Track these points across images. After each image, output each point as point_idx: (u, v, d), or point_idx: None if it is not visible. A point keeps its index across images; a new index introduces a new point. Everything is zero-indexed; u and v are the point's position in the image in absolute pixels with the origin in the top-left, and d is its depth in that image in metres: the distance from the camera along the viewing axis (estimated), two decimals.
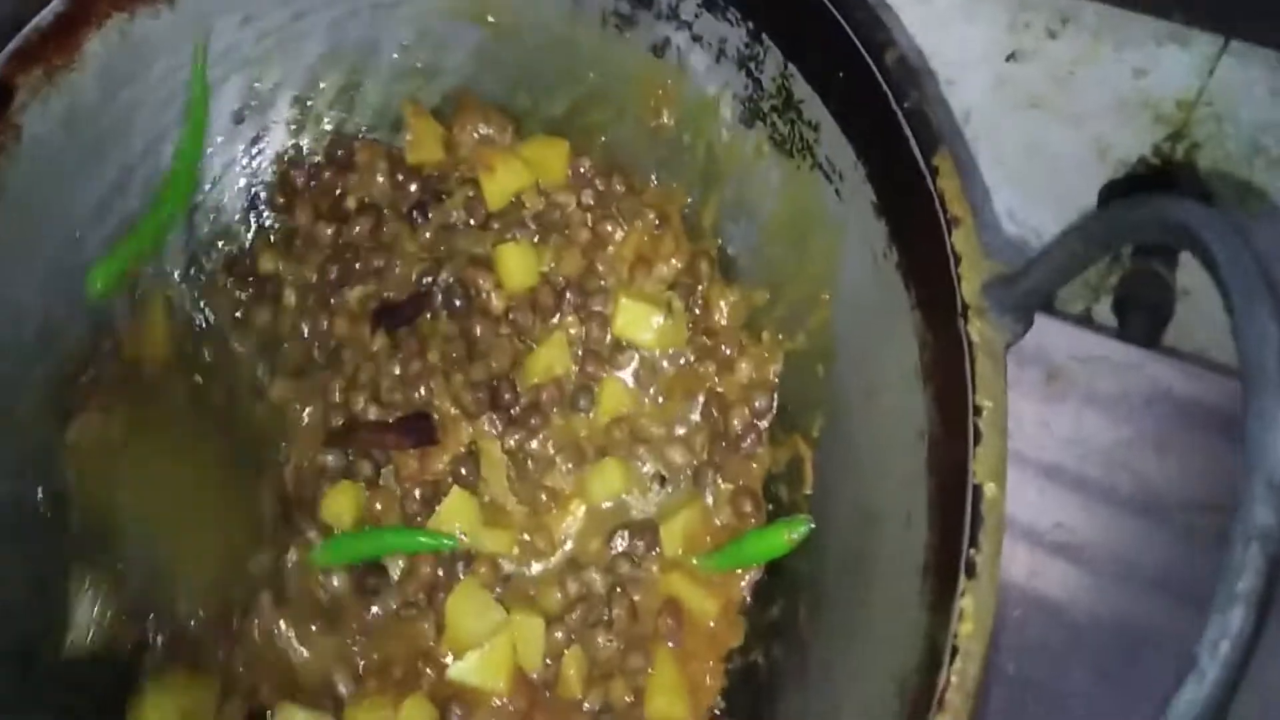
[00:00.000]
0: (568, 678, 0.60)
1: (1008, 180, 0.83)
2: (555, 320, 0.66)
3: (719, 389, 0.65)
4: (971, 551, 0.42)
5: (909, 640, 0.44)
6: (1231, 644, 0.29)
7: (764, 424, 0.65)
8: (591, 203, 0.68)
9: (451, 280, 0.67)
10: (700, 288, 0.66)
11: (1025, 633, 0.69)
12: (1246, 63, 0.67)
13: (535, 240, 0.68)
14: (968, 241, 0.48)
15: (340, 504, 0.63)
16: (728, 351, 0.65)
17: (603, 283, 0.67)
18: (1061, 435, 0.70)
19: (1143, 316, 0.78)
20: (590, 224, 0.68)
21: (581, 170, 0.69)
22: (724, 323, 0.66)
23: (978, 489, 0.43)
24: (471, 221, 0.68)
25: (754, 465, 0.64)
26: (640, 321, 0.65)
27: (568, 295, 0.66)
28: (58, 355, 0.61)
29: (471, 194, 0.68)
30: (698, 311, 0.66)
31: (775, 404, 0.65)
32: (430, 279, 0.67)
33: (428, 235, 0.68)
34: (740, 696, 0.61)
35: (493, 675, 0.61)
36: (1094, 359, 0.72)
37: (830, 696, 0.52)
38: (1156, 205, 0.39)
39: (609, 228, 0.68)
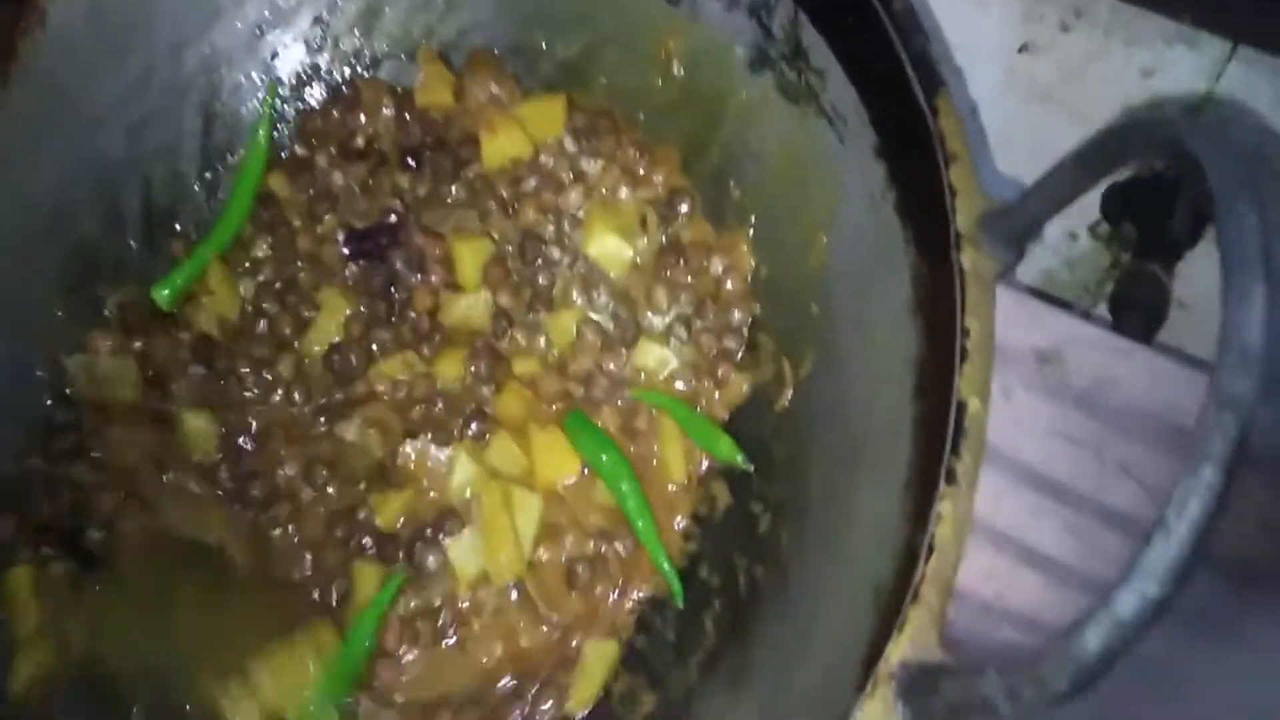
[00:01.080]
0: None
1: (1013, 174, 0.85)
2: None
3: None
4: (952, 459, 0.43)
5: (888, 552, 0.45)
6: (1200, 501, 0.31)
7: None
8: (574, 150, 0.69)
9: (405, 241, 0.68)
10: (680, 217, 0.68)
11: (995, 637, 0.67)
12: (1253, 69, 0.68)
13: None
14: (964, 177, 0.49)
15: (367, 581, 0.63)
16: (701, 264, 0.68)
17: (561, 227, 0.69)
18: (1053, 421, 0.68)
19: (1137, 316, 0.79)
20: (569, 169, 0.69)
21: (577, 125, 0.70)
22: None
23: (962, 404, 0.44)
24: (457, 182, 0.70)
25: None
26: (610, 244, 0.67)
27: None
28: (68, 243, 0.62)
29: (467, 154, 0.69)
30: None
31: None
32: (394, 220, 0.68)
33: (413, 184, 0.69)
34: (723, 613, 0.61)
35: None
36: (1087, 344, 0.71)
37: (808, 613, 0.52)
38: (1145, 122, 0.40)
39: (585, 166, 0.69)
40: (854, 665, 0.40)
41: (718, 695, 0.57)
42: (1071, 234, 0.88)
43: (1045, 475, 0.67)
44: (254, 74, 0.68)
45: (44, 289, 0.60)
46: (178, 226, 0.67)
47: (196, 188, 0.68)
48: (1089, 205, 0.84)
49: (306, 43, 0.69)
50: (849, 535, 0.51)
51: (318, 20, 0.69)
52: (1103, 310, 0.88)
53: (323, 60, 0.70)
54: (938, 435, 0.45)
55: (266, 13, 0.67)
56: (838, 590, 0.49)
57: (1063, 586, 0.63)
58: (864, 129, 0.56)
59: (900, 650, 0.38)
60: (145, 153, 0.65)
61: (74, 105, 0.60)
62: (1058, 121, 0.79)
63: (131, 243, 0.65)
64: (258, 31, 0.67)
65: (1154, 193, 0.80)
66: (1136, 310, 0.80)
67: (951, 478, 0.43)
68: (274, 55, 0.69)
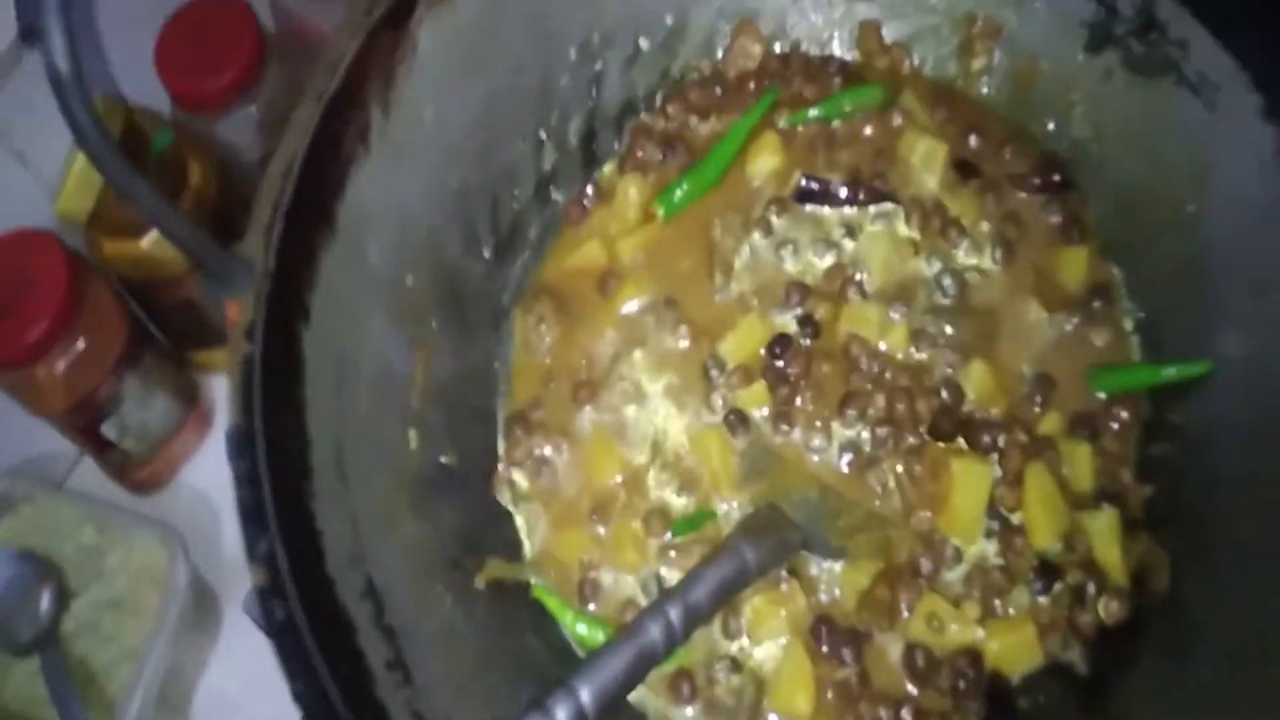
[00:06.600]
0: None
1: None
2: None
3: None
4: None
5: None
6: None
7: None
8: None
9: None
10: None
11: None
12: None
13: None
14: None
15: None
16: None
17: None
18: None
19: None
20: None
21: None
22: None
23: None
24: None
25: None
26: None
27: None
28: (434, 264, 0.63)
29: None
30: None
31: None
32: None
33: None
34: None
35: None
36: None
37: None
38: None
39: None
40: None
41: None
42: None
43: None
44: (584, 99, 0.70)
45: (417, 306, 0.62)
46: (519, 242, 0.69)
47: (534, 203, 0.70)
48: None
49: (626, 63, 0.70)
50: None
51: (632, 42, 0.70)
52: None
53: (642, 76, 0.72)
54: None
55: (596, 37, 0.68)
56: None
57: None
58: (1245, 93, 0.56)
59: None
60: (490, 176, 0.66)
61: (433, 133, 0.60)
62: None
63: (485, 260, 0.67)
64: (589, 55, 0.69)
65: None
66: None
67: None
68: (595, 81, 0.70)
